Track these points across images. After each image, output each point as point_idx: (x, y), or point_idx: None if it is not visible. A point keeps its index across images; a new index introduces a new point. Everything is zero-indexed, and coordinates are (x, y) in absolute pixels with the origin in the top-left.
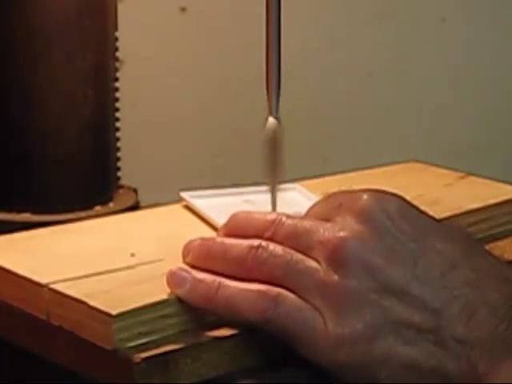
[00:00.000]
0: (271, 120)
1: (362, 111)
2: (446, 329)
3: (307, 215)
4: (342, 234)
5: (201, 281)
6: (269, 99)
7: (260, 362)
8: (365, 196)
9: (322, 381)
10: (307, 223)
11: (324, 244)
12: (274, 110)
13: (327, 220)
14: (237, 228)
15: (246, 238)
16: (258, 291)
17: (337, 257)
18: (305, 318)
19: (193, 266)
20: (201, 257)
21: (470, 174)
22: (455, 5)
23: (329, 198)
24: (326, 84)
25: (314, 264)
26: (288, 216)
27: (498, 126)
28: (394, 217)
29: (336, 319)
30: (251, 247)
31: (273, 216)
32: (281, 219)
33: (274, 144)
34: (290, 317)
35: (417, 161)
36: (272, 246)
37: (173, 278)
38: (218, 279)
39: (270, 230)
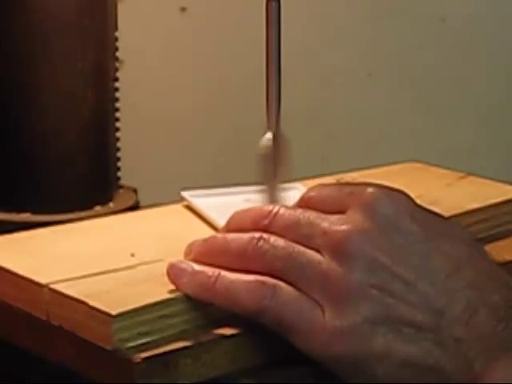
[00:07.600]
0: (266, 137)
1: (361, 111)
2: (447, 329)
3: (313, 197)
4: (349, 226)
5: (200, 271)
6: (268, 102)
7: (260, 362)
8: (377, 192)
9: (323, 381)
10: (310, 213)
11: (329, 235)
12: (274, 112)
13: (333, 206)
14: (237, 223)
15: (246, 231)
16: (257, 280)
17: (342, 249)
18: (302, 308)
19: (195, 262)
20: (203, 253)
21: (470, 174)
22: (455, 5)
23: (340, 185)
24: (325, 84)
25: (316, 256)
26: (287, 206)
27: (498, 126)
28: (405, 217)
29: (336, 311)
30: (252, 238)
31: (271, 206)
32: (279, 209)
33: (269, 157)
34: (287, 306)
35: (417, 161)
36: (273, 238)
37: (172, 270)
38: (218, 270)
39: (268, 219)
